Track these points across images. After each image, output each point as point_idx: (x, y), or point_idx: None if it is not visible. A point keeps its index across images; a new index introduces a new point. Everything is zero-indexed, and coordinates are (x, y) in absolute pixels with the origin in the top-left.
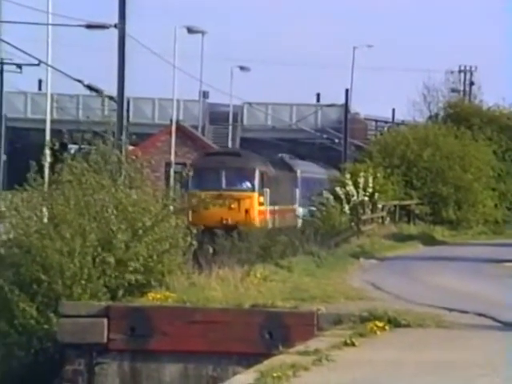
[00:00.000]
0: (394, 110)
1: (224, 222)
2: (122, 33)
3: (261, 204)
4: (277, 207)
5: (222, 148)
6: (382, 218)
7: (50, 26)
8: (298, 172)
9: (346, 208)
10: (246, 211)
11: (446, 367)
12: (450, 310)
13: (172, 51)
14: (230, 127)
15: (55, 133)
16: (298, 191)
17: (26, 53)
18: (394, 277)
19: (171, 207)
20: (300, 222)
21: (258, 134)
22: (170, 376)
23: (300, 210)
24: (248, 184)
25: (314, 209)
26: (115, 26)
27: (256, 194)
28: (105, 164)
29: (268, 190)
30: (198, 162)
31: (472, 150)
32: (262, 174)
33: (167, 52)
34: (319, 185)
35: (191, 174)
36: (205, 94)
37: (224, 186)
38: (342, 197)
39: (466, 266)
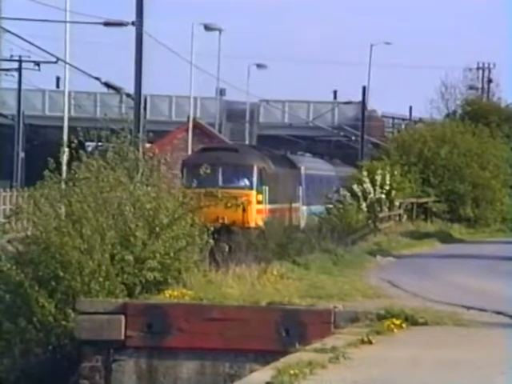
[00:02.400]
0: (411, 108)
1: (220, 220)
2: (139, 30)
3: (259, 202)
4: (277, 206)
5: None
6: (399, 215)
7: (68, 24)
8: (302, 169)
9: (363, 205)
10: (244, 210)
11: (463, 365)
12: (468, 308)
13: (189, 49)
14: (247, 124)
15: (73, 130)
16: (301, 189)
17: (44, 50)
18: (411, 274)
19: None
20: (303, 221)
21: (274, 132)
22: (187, 373)
23: (303, 209)
24: (246, 181)
25: (330, 206)
26: (133, 23)
27: (254, 192)
28: (122, 161)
29: (267, 187)
30: (193, 158)
31: (490, 147)
32: (260, 171)
33: (184, 49)
34: (326, 182)
35: (185, 170)
36: (222, 92)
37: (220, 183)
38: (359, 194)
39: (484, 264)
